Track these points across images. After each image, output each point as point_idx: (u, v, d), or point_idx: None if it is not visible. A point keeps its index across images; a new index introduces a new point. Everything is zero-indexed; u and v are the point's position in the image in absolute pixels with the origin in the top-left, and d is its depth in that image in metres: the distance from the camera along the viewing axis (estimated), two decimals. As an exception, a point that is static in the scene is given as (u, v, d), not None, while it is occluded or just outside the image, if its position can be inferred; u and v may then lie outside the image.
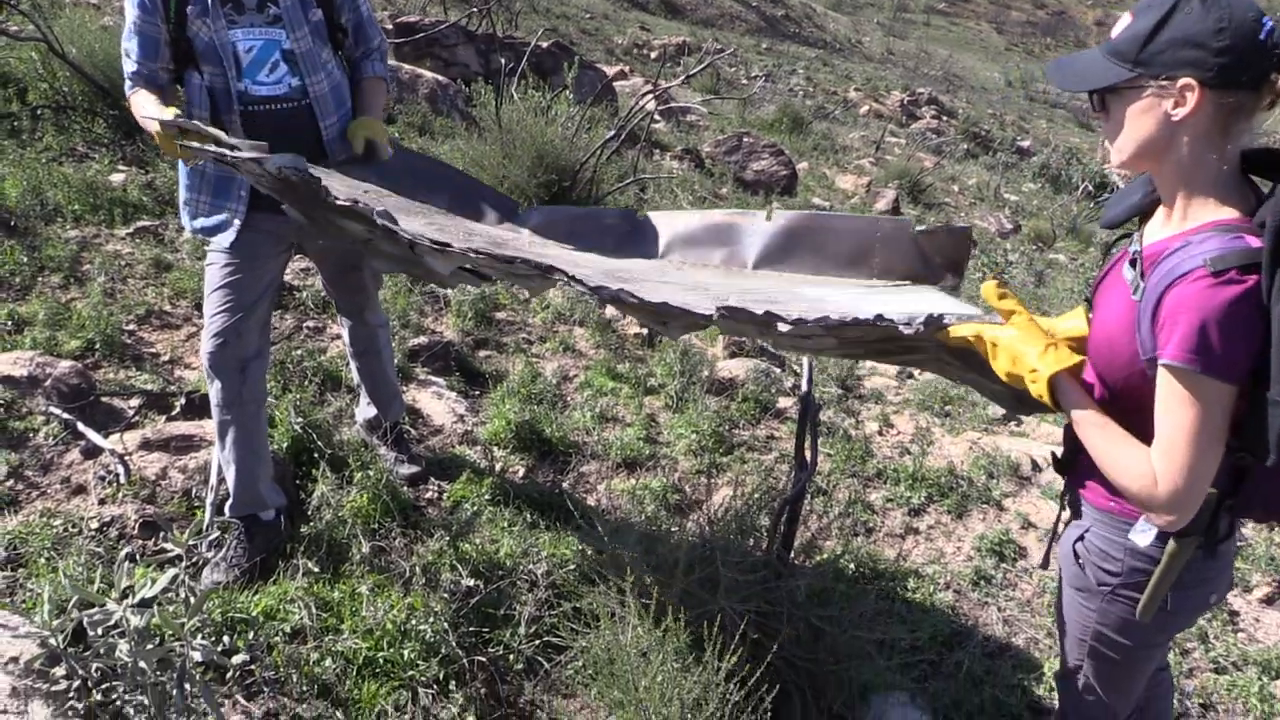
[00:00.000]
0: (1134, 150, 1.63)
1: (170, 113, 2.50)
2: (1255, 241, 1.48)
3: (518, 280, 2.32)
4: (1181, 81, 1.52)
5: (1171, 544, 1.70)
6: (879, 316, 1.75)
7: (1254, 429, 1.53)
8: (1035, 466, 4.54)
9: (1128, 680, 1.98)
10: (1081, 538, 1.90)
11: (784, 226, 2.38)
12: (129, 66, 2.68)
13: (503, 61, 8.01)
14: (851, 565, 3.46)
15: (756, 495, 3.01)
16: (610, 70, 12.46)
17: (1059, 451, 1.96)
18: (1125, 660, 1.93)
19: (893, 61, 32.09)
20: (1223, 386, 1.50)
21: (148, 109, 2.61)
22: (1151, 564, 1.76)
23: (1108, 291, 1.80)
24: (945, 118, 21.18)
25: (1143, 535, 1.74)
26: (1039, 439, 4.87)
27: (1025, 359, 1.70)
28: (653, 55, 18.61)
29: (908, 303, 1.96)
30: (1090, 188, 15.56)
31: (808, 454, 2.79)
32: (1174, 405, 1.55)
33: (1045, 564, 2.24)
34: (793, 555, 2.89)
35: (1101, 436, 1.67)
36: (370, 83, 3.00)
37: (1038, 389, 1.69)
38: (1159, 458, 1.58)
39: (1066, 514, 2.03)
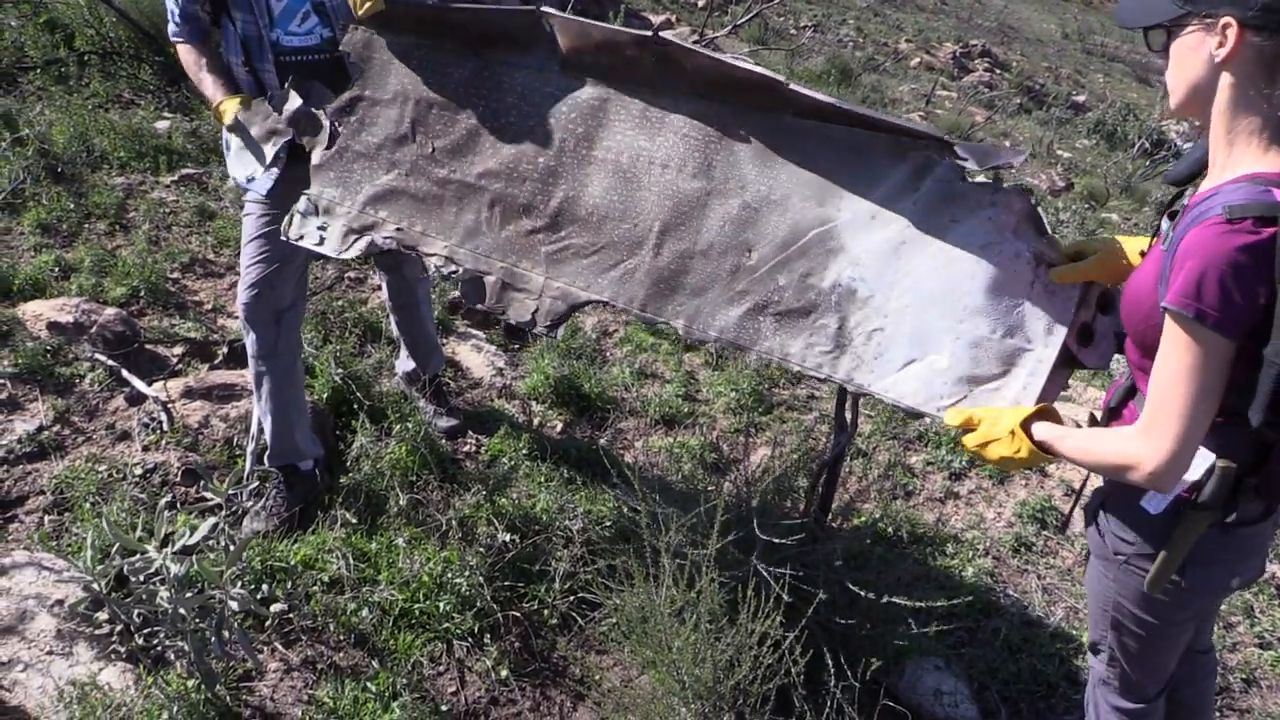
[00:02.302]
0: (1183, 92, 1.60)
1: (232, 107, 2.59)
2: None
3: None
4: (1223, 19, 1.48)
5: (1183, 517, 1.67)
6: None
7: (1251, 389, 1.49)
8: (1081, 432, 4.45)
9: (1152, 656, 1.94)
10: (1102, 504, 1.88)
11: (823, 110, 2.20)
12: (174, 11, 2.67)
13: (547, 10, 7.89)
14: (890, 529, 3.42)
15: (795, 456, 2.98)
16: (656, 19, 12.26)
17: (1098, 414, 1.94)
18: (1147, 635, 1.89)
19: (945, 11, 31.24)
20: (1217, 339, 1.46)
21: (206, 81, 2.66)
22: (1163, 536, 1.72)
23: (1152, 249, 1.76)
24: (998, 71, 20.62)
25: (1154, 503, 1.71)
26: (1085, 404, 4.77)
27: (998, 441, 1.77)
28: (700, 4, 18.27)
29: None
30: (1147, 145, 15.11)
31: (848, 415, 2.74)
32: (1167, 349, 1.52)
33: (1063, 528, 2.20)
34: (830, 518, 2.86)
35: (1077, 441, 1.69)
36: None
37: (1022, 452, 1.75)
38: (1147, 406, 1.56)
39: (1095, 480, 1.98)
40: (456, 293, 4.47)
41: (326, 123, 2.59)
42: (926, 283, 2.04)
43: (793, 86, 2.08)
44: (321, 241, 2.63)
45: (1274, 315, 1.41)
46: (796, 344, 2.18)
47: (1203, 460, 1.61)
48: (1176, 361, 1.51)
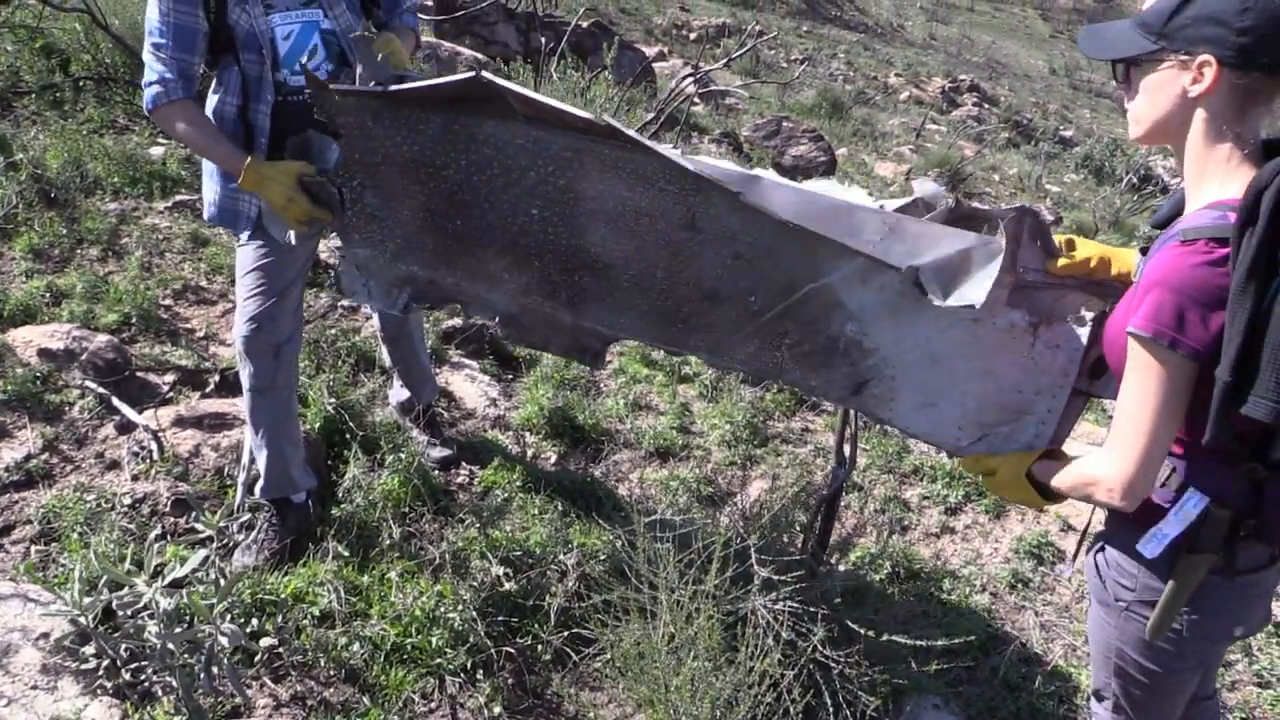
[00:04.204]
0: (1150, 124, 1.62)
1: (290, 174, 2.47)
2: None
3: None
4: (1200, 58, 1.50)
5: (1179, 561, 1.66)
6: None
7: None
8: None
9: (1158, 704, 1.91)
10: (1102, 548, 1.86)
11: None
12: (160, 69, 2.48)
13: (542, 41, 7.94)
14: (887, 565, 3.39)
15: (793, 490, 2.96)
16: (650, 51, 12.36)
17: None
18: (1151, 683, 1.86)
19: (935, 47, 31.62)
20: (1176, 359, 1.48)
21: (221, 144, 2.55)
22: (1162, 582, 1.71)
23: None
24: (987, 105, 20.85)
25: (1150, 546, 1.69)
26: (1080, 438, 4.77)
27: (1011, 487, 1.89)
28: (692, 36, 18.44)
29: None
30: (1135, 179, 15.25)
31: (846, 450, 2.73)
32: (1129, 372, 1.56)
33: (1071, 562, 2.18)
34: (827, 553, 2.84)
35: (1060, 474, 1.76)
36: (398, 29, 2.84)
37: (1033, 499, 1.88)
38: (1112, 427, 1.60)
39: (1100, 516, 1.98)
40: (450, 322, 4.46)
41: (334, 189, 2.56)
42: (926, 345, 2.03)
43: (745, 199, 2.00)
44: (370, 296, 2.65)
45: (1223, 333, 1.43)
46: (817, 379, 2.20)
47: (1196, 504, 1.62)
48: (1137, 382, 1.54)
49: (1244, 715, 3.11)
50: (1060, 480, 1.75)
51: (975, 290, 1.84)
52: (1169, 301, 1.47)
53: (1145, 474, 1.56)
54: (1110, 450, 1.60)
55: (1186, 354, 1.47)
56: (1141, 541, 1.69)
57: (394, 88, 2.31)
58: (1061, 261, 1.88)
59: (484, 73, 2.18)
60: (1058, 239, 1.91)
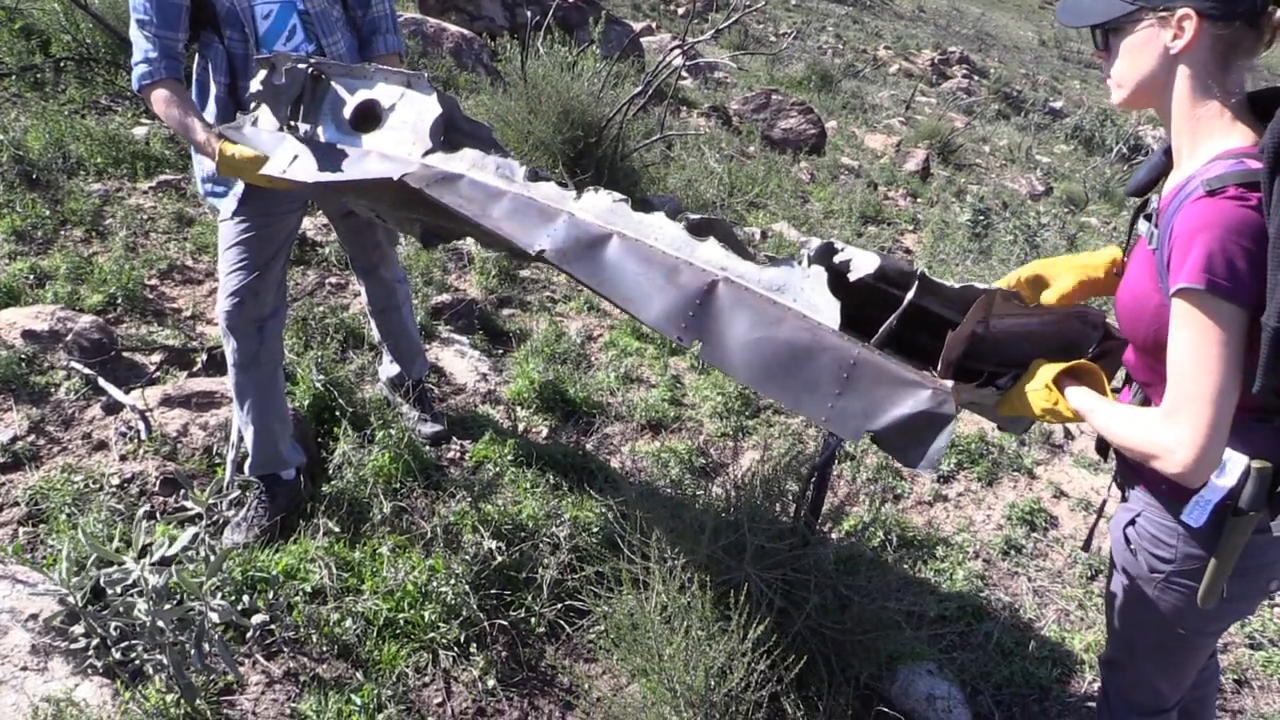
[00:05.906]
0: (1134, 85, 1.61)
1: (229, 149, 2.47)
2: (1256, 165, 1.43)
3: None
4: (1180, 12, 1.49)
5: (1226, 525, 1.62)
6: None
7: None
8: (1068, 434, 4.45)
9: (1179, 668, 1.91)
10: (1133, 522, 1.82)
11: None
12: (146, 48, 2.51)
13: (529, 15, 7.86)
14: (880, 533, 3.39)
15: (785, 460, 2.95)
16: (637, 26, 12.26)
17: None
18: (1178, 649, 1.85)
19: (923, 19, 31.46)
20: (1231, 310, 1.42)
21: (196, 127, 2.54)
22: (1206, 549, 1.67)
23: (1133, 255, 1.75)
24: (976, 77, 20.76)
25: (1195, 514, 1.65)
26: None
27: (1037, 393, 1.74)
28: (680, 10, 18.29)
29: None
30: (1125, 150, 15.23)
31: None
32: (1180, 332, 1.49)
33: (1087, 547, 2.15)
34: (820, 522, 2.83)
35: (1106, 419, 1.63)
36: (383, 59, 2.84)
37: (1060, 406, 1.71)
38: (1168, 393, 1.51)
39: (1115, 493, 1.95)
40: (440, 297, 4.43)
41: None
42: None
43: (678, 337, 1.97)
44: (386, 223, 2.74)
45: (1267, 280, 1.40)
46: None
47: (1236, 464, 1.57)
48: (1192, 342, 1.46)
49: (1237, 677, 3.13)
50: (1111, 435, 1.62)
51: (924, 454, 1.79)
52: (1216, 249, 1.41)
53: (1216, 444, 1.46)
54: (1174, 419, 1.48)
55: (1241, 303, 1.42)
56: (1185, 511, 1.66)
57: (328, 179, 2.35)
58: (1044, 301, 1.85)
59: (408, 178, 2.25)
60: (1029, 270, 1.91)
